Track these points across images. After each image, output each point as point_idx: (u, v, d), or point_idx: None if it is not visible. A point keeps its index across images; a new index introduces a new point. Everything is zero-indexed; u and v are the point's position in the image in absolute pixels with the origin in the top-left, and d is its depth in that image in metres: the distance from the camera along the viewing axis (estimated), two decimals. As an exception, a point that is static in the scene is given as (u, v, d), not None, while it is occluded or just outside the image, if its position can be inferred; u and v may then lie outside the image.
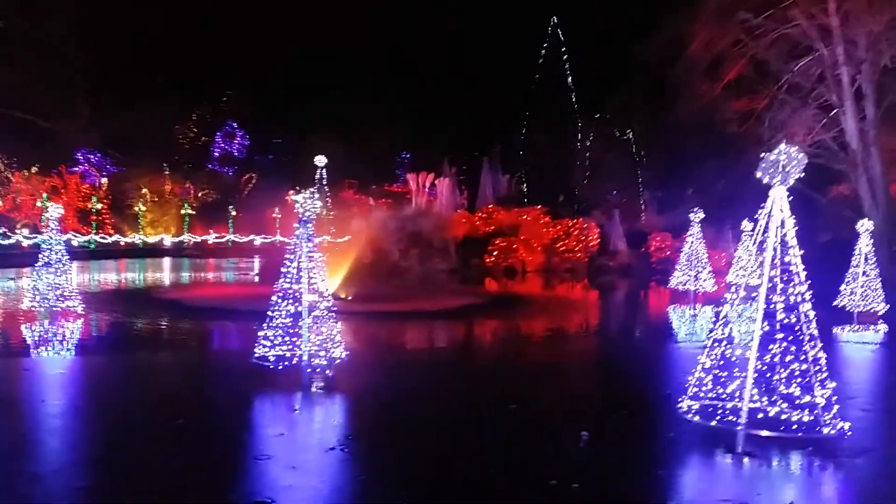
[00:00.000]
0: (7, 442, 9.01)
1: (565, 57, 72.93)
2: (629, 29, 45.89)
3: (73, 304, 20.67)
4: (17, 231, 55.51)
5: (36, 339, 18.20)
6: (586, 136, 72.95)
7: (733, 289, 9.39)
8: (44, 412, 10.54)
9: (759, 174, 8.80)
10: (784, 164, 8.58)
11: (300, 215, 12.07)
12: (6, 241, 53.17)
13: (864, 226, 22.50)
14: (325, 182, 33.49)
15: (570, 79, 71.95)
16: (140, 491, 7.44)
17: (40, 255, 20.84)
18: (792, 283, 8.75)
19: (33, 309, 20.63)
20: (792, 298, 8.74)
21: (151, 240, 68.76)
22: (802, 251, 8.89)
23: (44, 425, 9.89)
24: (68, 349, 17.18)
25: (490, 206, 57.95)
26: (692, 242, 28.79)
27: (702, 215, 28.44)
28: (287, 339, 11.90)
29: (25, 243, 52.24)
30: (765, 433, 8.70)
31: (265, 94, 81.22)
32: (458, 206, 59.98)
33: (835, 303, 22.75)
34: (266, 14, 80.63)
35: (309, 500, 7.16)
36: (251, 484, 7.77)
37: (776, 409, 8.78)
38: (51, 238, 20.78)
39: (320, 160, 31.53)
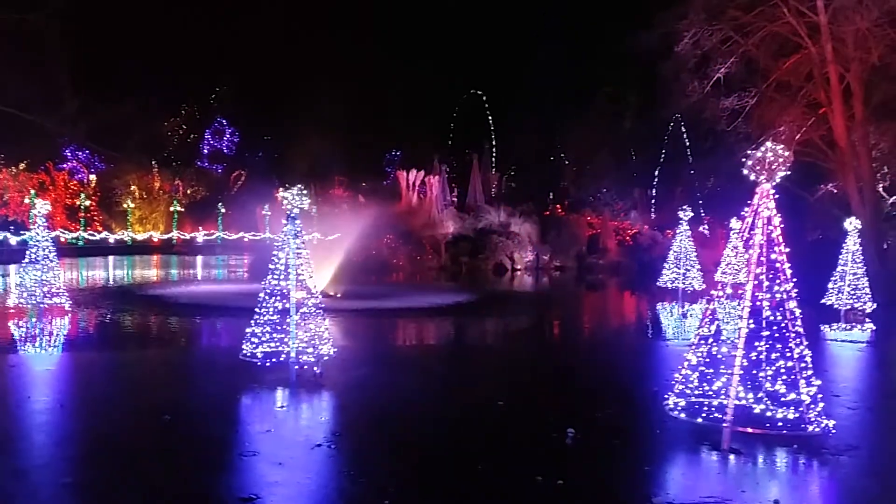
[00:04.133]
0: (-8, 438, 8.98)
1: (557, 52, 72.84)
2: (619, 24, 45.86)
3: (61, 300, 20.59)
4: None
5: (23, 335, 18.11)
6: (577, 133, 72.89)
7: (720, 286, 9.43)
8: (30, 408, 10.50)
9: (745, 171, 8.84)
10: (770, 161, 8.62)
11: (288, 212, 12.06)
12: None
13: (852, 224, 22.63)
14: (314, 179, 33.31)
15: (561, 75, 71.86)
16: (126, 487, 7.43)
17: (27, 252, 20.75)
18: (778, 281, 8.80)
19: (20, 305, 20.54)
20: (778, 296, 8.79)
21: (140, 237, 68.38)
22: (789, 249, 8.94)
23: (30, 421, 9.86)
24: (55, 346, 17.11)
25: (480, 204, 57.95)
26: (681, 240, 28.92)
27: (690, 213, 28.59)
28: (275, 335, 11.91)
29: (13, 240, 51.88)
30: (750, 430, 8.76)
31: (254, 90, 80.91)
32: (448, 203, 59.95)
33: (822, 301, 22.87)
34: (254, 10, 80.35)
35: (295, 496, 7.16)
36: (237, 480, 7.76)
37: (762, 406, 8.83)
38: (38, 235, 20.68)
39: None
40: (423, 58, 77.15)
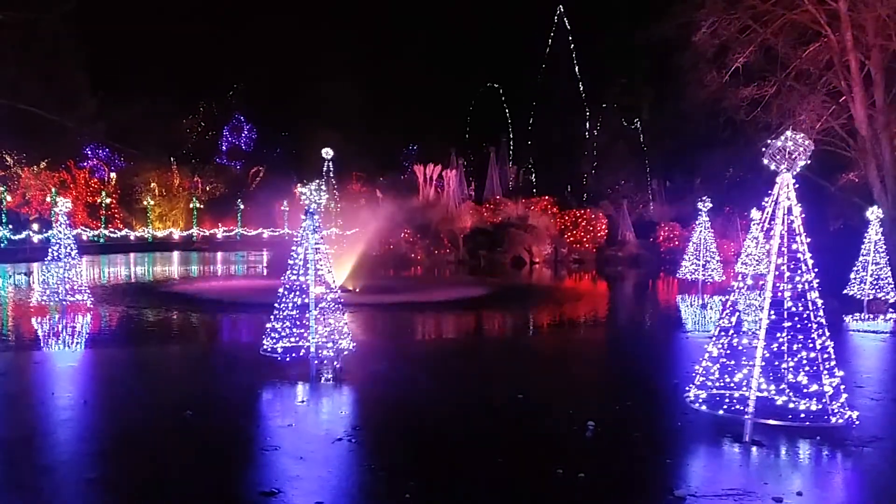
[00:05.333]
0: (18, 434, 9.08)
1: (572, 46, 72.64)
2: (635, 14, 45.56)
3: (83, 297, 20.80)
4: (29, 226, 55.74)
5: (46, 332, 18.30)
6: (594, 125, 72.64)
7: (741, 278, 9.36)
8: (54, 404, 10.60)
9: (765, 161, 8.76)
10: (790, 150, 8.54)
11: (306, 207, 12.09)
12: (17, 237, 53.38)
13: (874, 213, 22.39)
14: (332, 174, 33.45)
15: (576, 68, 71.63)
16: (149, 481, 7.49)
17: (50, 250, 20.96)
18: (799, 272, 8.72)
19: (43, 303, 20.76)
20: (799, 287, 8.71)
21: (161, 234, 68.93)
22: (811, 239, 8.85)
23: (54, 417, 9.95)
24: (78, 342, 17.27)
25: (498, 198, 57.90)
26: (700, 232, 28.75)
27: (710, 204, 28.43)
28: (295, 330, 11.95)
29: (36, 238, 52.41)
30: (772, 422, 8.69)
31: (271, 87, 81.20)
32: (466, 197, 59.92)
33: (844, 291, 22.66)
34: (271, 7, 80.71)
35: (316, 490, 7.19)
36: (259, 474, 7.80)
37: (784, 398, 8.76)
38: (60, 233, 20.89)
39: (327, 153, 31.44)
40: (438, 52, 77.14)
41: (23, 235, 53.65)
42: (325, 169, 32.20)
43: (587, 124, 73.65)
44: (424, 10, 78.39)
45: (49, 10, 39.52)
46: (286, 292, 11.97)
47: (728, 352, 9.01)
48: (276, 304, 12.08)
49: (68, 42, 45.44)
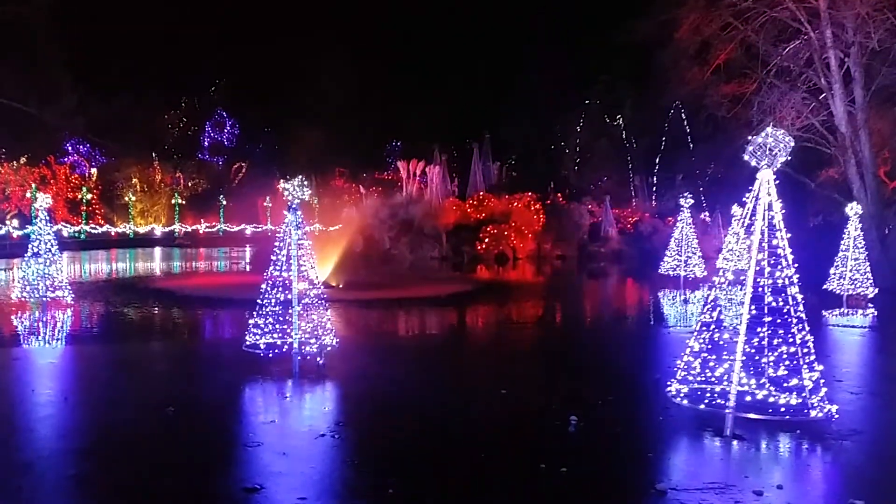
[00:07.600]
0: (-3, 432, 9.01)
1: (554, 41, 72.77)
2: (615, 12, 45.66)
3: (63, 294, 20.63)
4: (7, 222, 55.17)
5: (26, 328, 18.14)
6: (576, 121, 72.75)
7: (722, 273, 9.42)
8: (34, 401, 10.53)
9: (746, 157, 8.83)
10: (771, 147, 8.61)
11: (289, 203, 12.05)
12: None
13: (853, 209, 22.60)
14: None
15: (559, 64, 71.70)
16: (130, 478, 7.46)
17: (30, 246, 20.77)
18: (779, 267, 8.79)
19: (23, 299, 20.57)
20: (779, 282, 8.78)
21: (142, 230, 68.48)
22: (791, 235, 8.93)
23: (34, 414, 9.88)
24: (58, 339, 17.14)
25: (481, 194, 57.86)
26: (682, 228, 28.92)
27: (691, 201, 28.60)
28: (278, 327, 11.93)
29: (15, 234, 51.89)
30: (753, 416, 8.76)
31: (254, 82, 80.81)
32: (449, 193, 59.83)
33: (824, 286, 22.87)
34: (254, 1, 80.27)
35: (299, 486, 7.18)
36: (241, 470, 7.79)
37: (764, 392, 8.84)
38: (40, 228, 20.70)
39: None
40: (422, 49, 77.08)
41: (2, 231, 53.08)
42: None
43: (569, 121, 73.75)
44: (408, 8, 78.24)
45: (28, 2, 39.11)
46: (269, 288, 11.93)
47: (709, 347, 9.07)
48: (258, 300, 12.04)
49: (48, 35, 44.98)
